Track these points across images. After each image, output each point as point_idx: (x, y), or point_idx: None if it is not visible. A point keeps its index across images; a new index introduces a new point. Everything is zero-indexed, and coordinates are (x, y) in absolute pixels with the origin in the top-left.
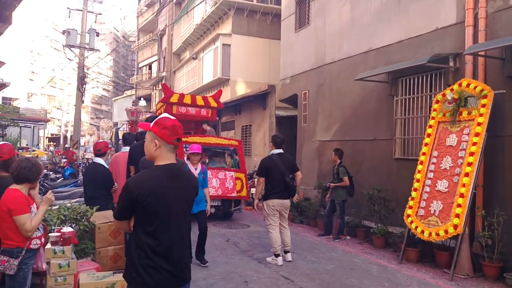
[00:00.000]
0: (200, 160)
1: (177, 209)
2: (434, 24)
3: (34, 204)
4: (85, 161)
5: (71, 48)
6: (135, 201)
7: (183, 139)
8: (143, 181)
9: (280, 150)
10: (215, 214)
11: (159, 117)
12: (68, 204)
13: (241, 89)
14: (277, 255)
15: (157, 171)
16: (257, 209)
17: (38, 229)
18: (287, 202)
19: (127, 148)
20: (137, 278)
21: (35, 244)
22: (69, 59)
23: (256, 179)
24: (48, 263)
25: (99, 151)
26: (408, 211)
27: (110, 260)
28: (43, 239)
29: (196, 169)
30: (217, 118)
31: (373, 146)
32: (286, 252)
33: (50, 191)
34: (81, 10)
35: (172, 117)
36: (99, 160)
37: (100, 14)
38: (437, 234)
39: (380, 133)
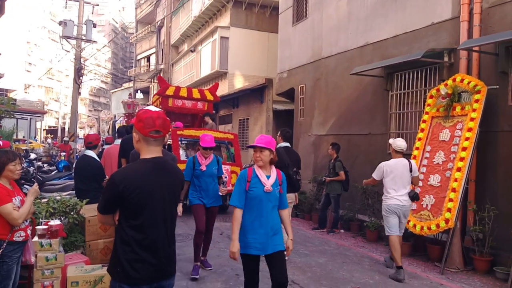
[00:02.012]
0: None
1: (163, 202)
2: (429, 19)
3: (18, 196)
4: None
5: (68, 40)
6: (120, 194)
7: (179, 132)
8: (128, 175)
9: (287, 144)
10: None
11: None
12: (58, 197)
13: (239, 83)
14: None
15: (142, 164)
16: None
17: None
18: (291, 195)
19: (120, 141)
20: (122, 272)
21: (18, 237)
22: (66, 50)
23: None
24: (35, 256)
25: (90, 143)
26: None
27: (100, 253)
28: (29, 231)
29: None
30: (214, 112)
31: (368, 141)
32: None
33: (36, 183)
34: (78, 1)
35: (155, 109)
36: (90, 153)
37: (97, 5)
38: (429, 228)
39: (375, 128)
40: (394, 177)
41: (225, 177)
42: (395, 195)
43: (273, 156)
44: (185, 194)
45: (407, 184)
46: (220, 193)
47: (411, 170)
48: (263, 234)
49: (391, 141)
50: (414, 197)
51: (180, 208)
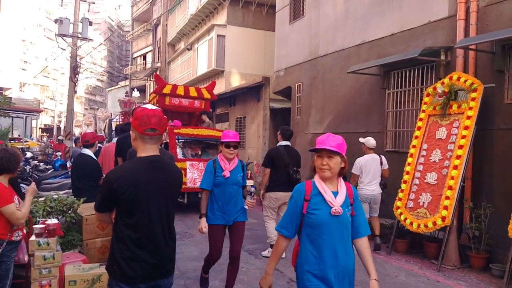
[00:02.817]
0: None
1: (159, 201)
2: (426, 17)
3: (16, 196)
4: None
5: (64, 38)
6: (115, 192)
7: (176, 131)
8: (123, 173)
9: (287, 143)
10: None
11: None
12: (55, 196)
13: (235, 81)
14: (272, 245)
15: (138, 163)
16: (262, 198)
17: None
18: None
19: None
20: (118, 271)
21: (16, 236)
22: (61, 48)
23: (249, 172)
24: (32, 255)
25: (87, 142)
26: (398, 203)
27: (98, 252)
28: (25, 231)
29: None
30: (211, 110)
31: None
32: None
33: (33, 182)
34: None
35: (151, 108)
36: (87, 151)
37: (93, 2)
38: (426, 226)
39: (372, 126)
40: (368, 170)
41: (253, 188)
42: (367, 186)
43: (345, 164)
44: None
45: (378, 176)
46: (245, 207)
47: (381, 164)
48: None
49: (363, 140)
50: (384, 186)
51: (204, 224)
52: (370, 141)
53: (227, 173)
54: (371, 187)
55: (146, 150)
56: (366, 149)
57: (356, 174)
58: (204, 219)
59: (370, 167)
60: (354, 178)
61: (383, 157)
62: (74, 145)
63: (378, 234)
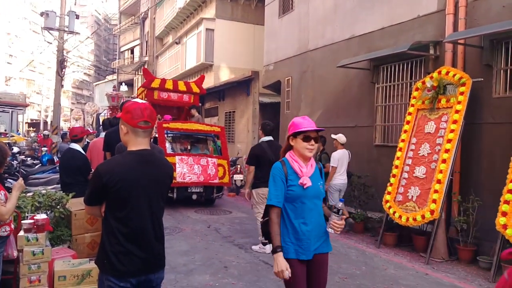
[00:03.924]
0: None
1: (149, 195)
2: (415, 12)
3: (1, 191)
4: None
5: (50, 31)
6: (105, 186)
7: (165, 125)
8: (113, 166)
9: (270, 138)
10: (197, 201)
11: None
12: (43, 191)
13: (224, 75)
14: (264, 243)
15: (128, 157)
16: (247, 198)
17: None
18: None
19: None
20: (108, 264)
21: (3, 232)
22: (48, 42)
23: (238, 166)
24: (21, 251)
25: (75, 136)
26: (387, 197)
27: (87, 247)
28: (12, 226)
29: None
30: (200, 104)
31: (354, 133)
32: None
33: (20, 177)
34: None
35: (141, 101)
36: (76, 146)
37: None
38: (414, 219)
39: (361, 120)
40: (342, 163)
41: (341, 202)
42: (340, 177)
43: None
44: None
45: (346, 168)
46: (329, 230)
47: (349, 157)
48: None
49: (335, 136)
50: (350, 176)
51: (283, 264)
52: (342, 137)
53: (306, 181)
54: (343, 177)
55: (138, 144)
56: (338, 145)
57: (335, 166)
58: (281, 255)
59: (343, 161)
60: (334, 170)
61: (349, 152)
62: (61, 140)
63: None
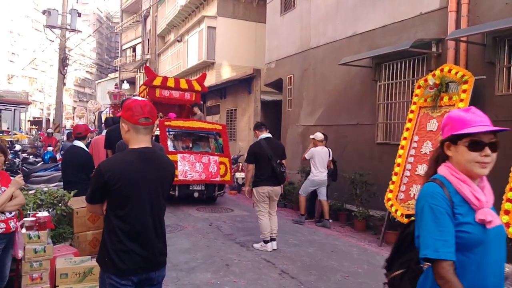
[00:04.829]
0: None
1: (150, 193)
2: (418, 9)
3: (3, 187)
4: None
5: (52, 29)
6: (106, 184)
7: (167, 123)
8: (114, 164)
9: (268, 135)
10: (199, 199)
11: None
12: (45, 189)
13: (226, 73)
14: (266, 241)
15: (130, 154)
16: (247, 196)
17: (3, 212)
18: (277, 189)
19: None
20: (109, 262)
21: None
22: (50, 40)
23: (239, 164)
24: (24, 249)
25: (79, 134)
26: (389, 195)
27: (89, 245)
28: (11, 223)
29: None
30: (202, 102)
31: (356, 131)
32: (272, 239)
33: (20, 174)
34: None
35: (141, 99)
36: (79, 143)
37: None
38: None
39: (363, 118)
40: (319, 159)
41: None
42: (318, 173)
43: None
44: None
45: (326, 165)
46: None
47: (329, 156)
48: None
49: (313, 136)
50: (332, 175)
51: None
52: (318, 135)
53: (489, 216)
54: (322, 174)
55: (139, 141)
56: (316, 142)
57: (307, 158)
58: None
59: (320, 157)
60: (305, 161)
61: (330, 150)
62: (66, 139)
63: (328, 218)
